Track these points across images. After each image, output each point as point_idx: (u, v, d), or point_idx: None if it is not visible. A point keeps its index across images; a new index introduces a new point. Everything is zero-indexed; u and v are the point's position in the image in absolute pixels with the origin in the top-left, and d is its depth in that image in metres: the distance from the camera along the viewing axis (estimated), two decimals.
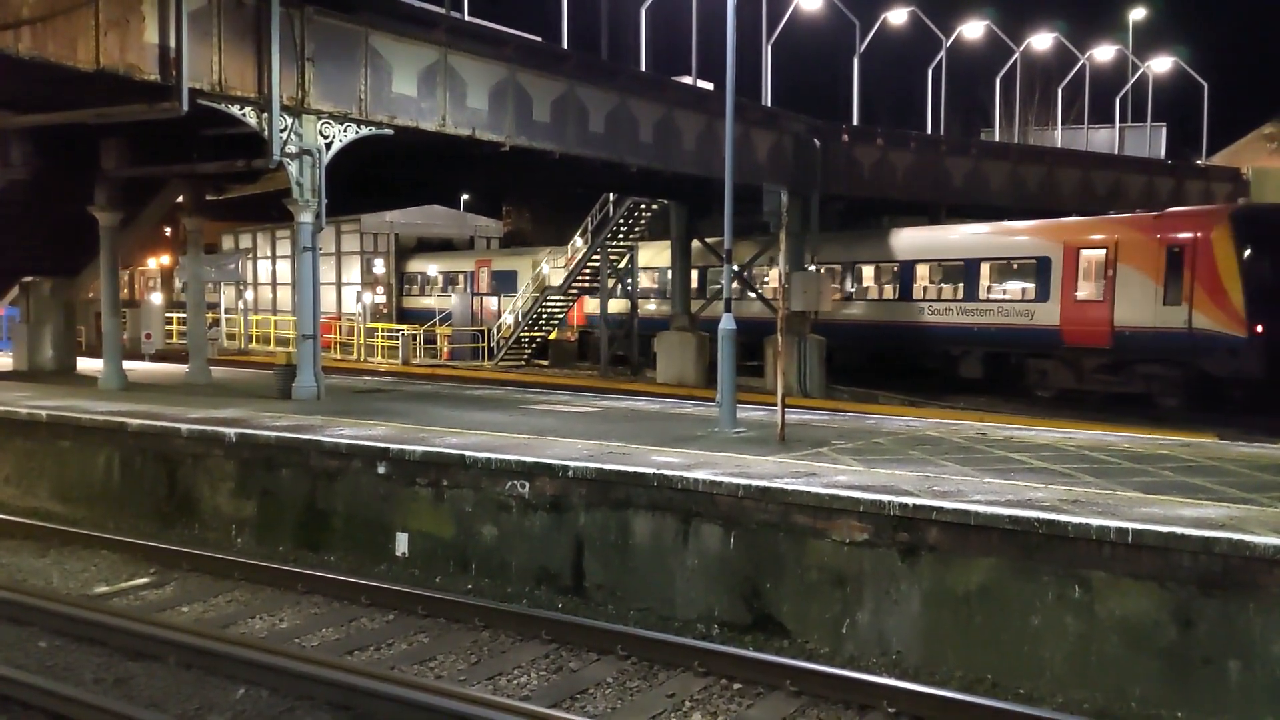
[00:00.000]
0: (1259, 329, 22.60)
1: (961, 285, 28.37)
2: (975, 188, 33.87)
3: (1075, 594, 8.29)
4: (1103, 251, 25.16)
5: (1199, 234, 23.56)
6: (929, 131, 37.20)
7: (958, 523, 8.76)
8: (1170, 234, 23.98)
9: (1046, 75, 46.74)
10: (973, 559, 8.72)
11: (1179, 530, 7.98)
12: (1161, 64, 46.32)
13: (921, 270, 29.71)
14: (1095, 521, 8.29)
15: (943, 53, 38.32)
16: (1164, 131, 48.46)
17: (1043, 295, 26.15)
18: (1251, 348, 22.73)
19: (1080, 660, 8.26)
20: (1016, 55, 42.08)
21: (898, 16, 37.12)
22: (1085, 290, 25.42)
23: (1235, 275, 23.02)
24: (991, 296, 27.71)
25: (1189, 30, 55.41)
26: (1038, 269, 26.36)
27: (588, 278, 35.88)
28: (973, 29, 40.10)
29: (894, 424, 15.41)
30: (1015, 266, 27.31)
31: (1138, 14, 46.04)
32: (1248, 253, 23.16)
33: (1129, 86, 45.73)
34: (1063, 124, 44.93)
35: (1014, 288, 27.21)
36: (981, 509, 8.73)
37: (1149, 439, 14.33)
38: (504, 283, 42.39)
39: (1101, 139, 46.15)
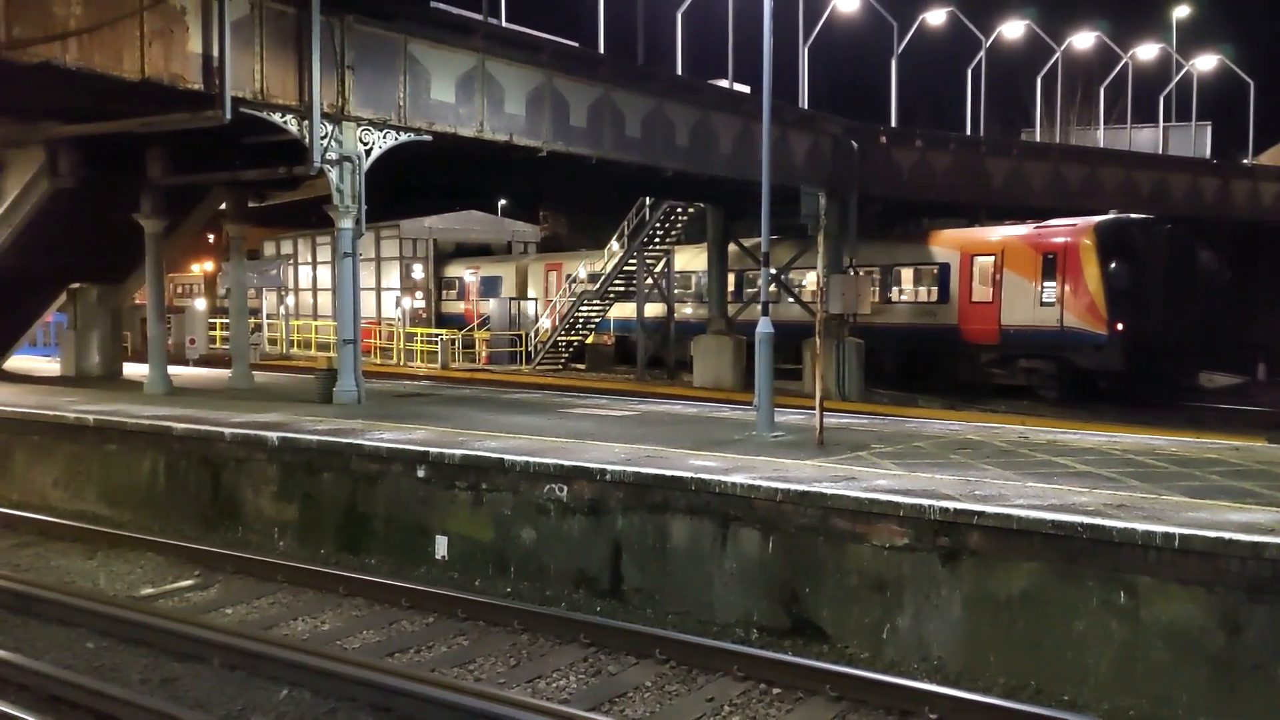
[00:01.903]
0: (1119, 327, 26.19)
1: (877, 289, 31.15)
2: (1016, 188, 33.55)
3: (1120, 599, 8.18)
4: (991, 259, 28.67)
5: (1068, 244, 27.14)
6: (968, 132, 36.89)
7: (1000, 527, 8.67)
8: (1045, 244, 27.57)
9: (1088, 74, 46.20)
10: (1015, 564, 8.63)
11: (1227, 535, 7.85)
12: (1206, 62, 45.62)
13: None
14: (1141, 526, 8.17)
15: (982, 53, 38.02)
16: (1209, 130, 47.71)
17: (944, 297, 29.57)
18: (1112, 344, 26.26)
19: (1126, 666, 8.15)
20: (1058, 54, 41.64)
21: (936, 17, 36.85)
22: (978, 293, 28.89)
23: (1099, 280, 26.55)
24: (903, 299, 30.97)
25: (1234, 27, 54.51)
26: (940, 274, 29.76)
27: (624, 281, 35.99)
28: (1013, 29, 39.73)
29: (934, 428, 15.30)
30: (925, 272, 30.19)
31: (1181, 11, 45.41)
32: (1109, 260, 26.70)
33: (1173, 85, 45.10)
34: (1105, 124, 44.39)
35: (923, 291, 30.54)
36: (1024, 513, 8.64)
37: (1196, 443, 14.12)
38: (489, 288, 44.48)
39: (1145, 138, 45.52)
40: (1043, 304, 26.97)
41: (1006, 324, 27.97)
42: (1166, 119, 45.68)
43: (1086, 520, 8.38)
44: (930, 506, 9.00)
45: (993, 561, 8.72)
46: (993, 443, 13.18)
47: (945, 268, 29.49)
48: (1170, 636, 7.99)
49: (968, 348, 29.03)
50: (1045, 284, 27.20)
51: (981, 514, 8.76)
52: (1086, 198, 35.17)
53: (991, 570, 8.73)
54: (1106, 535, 8.24)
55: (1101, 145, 42.26)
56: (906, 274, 30.85)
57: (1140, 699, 8.04)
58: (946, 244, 29.60)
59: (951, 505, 8.96)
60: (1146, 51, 44.33)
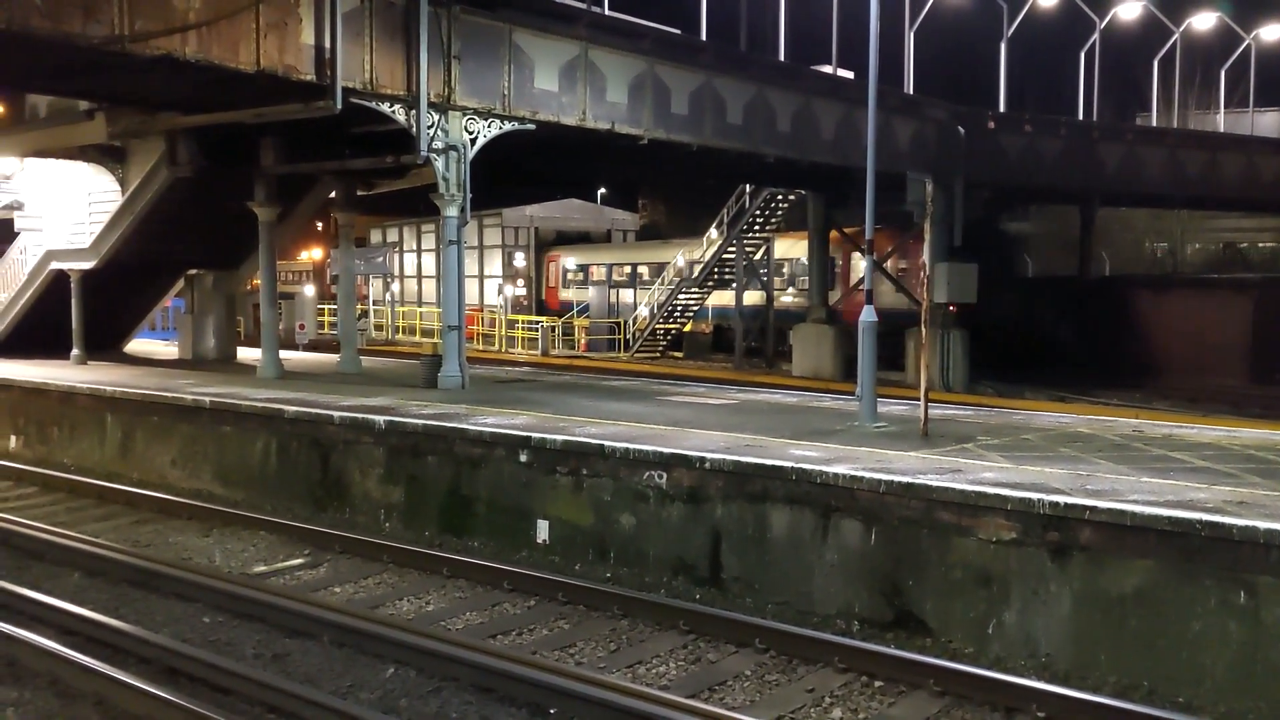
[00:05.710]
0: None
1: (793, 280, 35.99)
2: (1130, 175, 32.49)
3: (1240, 599, 7.88)
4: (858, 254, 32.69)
5: (914, 241, 30.94)
6: (1080, 117, 35.79)
7: (1112, 523, 8.42)
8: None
9: (1208, 57, 44.41)
10: (1128, 560, 8.37)
11: None
12: None
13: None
14: (1263, 524, 7.85)
15: (1096, 35, 36.81)
16: None
17: (833, 285, 34.09)
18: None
19: (1244, 669, 7.85)
20: (1176, 36, 40.11)
21: None
22: (855, 282, 33.36)
23: None
24: (803, 287, 35.32)
25: None
26: (831, 267, 34.16)
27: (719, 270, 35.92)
28: (1129, 9, 38.34)
29: (1043, 420, 14.92)
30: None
31: None
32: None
33: None
34: (1225, 107, 42.63)
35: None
36: (1138, 509, 8.37)
37: None
38: None
39: (1268, 123, 43.63)
40: (897, 291, 30.33)
41: (881, 308, 33.29)
42: None
43: (1205, 517, 8.09)
44: (1039, 500, 8.78)
45: (1105, 558, 8.47)
46: (1105, 436, 12.79)
47: (832, 261, 33.85)
48: None
49: (849, 327, 31.91)
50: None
51: (1093, 509, 8.52)
52: (1205, 184, 33.86)
53: (1103, 567, 8.48)
54: (1226, 533, 7.94)
55: (1221, 130, 40.62)
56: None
57: (1260, 702, 7.74)
58: (835, 242, 32.91)
59: (1062, 499, 8.73)
60: (1270, 32, 42.39)
